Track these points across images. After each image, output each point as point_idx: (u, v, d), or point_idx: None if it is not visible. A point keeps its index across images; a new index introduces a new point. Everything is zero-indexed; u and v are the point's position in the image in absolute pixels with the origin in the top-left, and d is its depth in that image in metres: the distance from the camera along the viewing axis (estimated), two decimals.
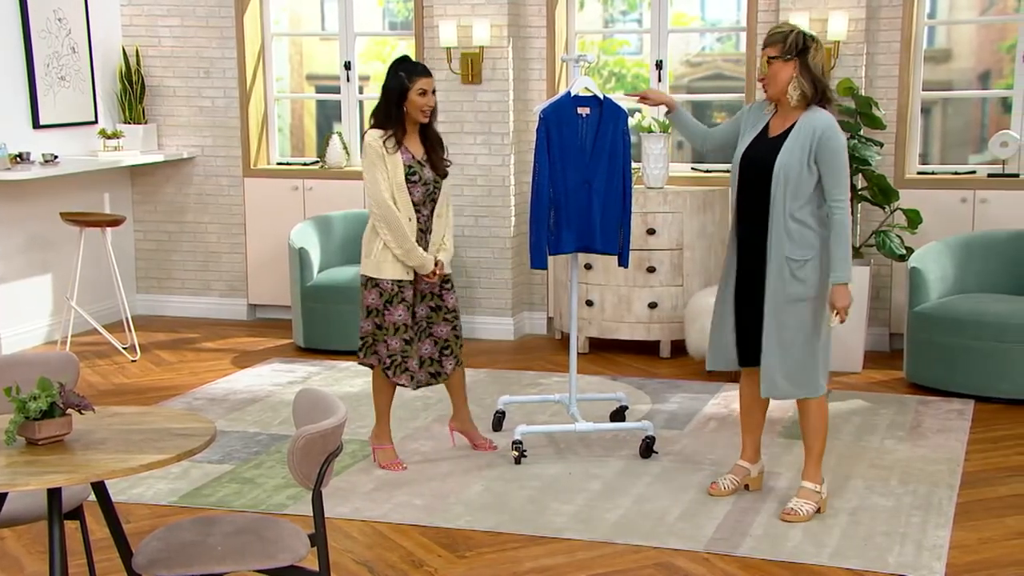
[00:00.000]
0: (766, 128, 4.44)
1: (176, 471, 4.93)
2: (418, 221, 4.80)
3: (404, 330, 4.83)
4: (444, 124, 7.12)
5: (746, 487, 4.69)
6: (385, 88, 4.78)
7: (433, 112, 4.80)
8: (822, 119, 4.31)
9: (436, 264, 4.83)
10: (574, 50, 7.47)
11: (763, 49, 4.42)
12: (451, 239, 4.93)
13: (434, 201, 4.86)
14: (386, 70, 4.80)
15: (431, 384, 5.01)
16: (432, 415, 5.63)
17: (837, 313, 4.29)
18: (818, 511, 4.45)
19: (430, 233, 4.86)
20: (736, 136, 4.57)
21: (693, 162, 7.52)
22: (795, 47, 4.31)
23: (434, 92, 4.78)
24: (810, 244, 4.32)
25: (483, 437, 5.20)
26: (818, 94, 4.34)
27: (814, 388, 4.40)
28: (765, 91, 4.41)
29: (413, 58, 7.37)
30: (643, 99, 4.93)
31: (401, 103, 4.73)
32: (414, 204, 4.78)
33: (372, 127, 4.81)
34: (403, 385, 4.90)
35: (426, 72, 4.78)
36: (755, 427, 4.67)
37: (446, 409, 5.83)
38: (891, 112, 6.83)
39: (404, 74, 4.74)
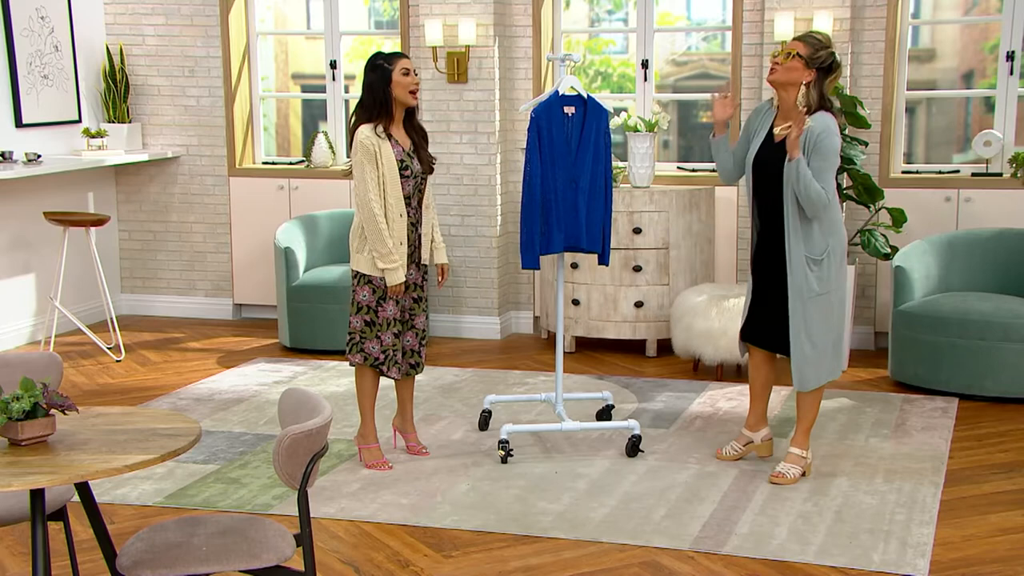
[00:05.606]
0: (771, 132, 4.65)
1: (161, 471, 4.92)
2: (408, 215, 4.82)
3: (394, 324, 4.87)
4: (430, 123, 7.12)
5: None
6: (368, 81, 4.83)
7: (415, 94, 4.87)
8: (821, 122, 4.51)
9: (442, 269, 5.01)
10: (560, 49, 7.47)
11: (794, 40, 4.59)
12: (439, 233, 5.00)
13: (421, 192, 4.90)
14: (363, 70, 4.87)
15: (409, 375, 5.03)
16: (417, 415, 5.62)
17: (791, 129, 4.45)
18: (803, 475, 4.78)
19: (420, 225, 4.89)
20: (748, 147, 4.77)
21: (679, 161, 7.53)
22: (821, 62, 4.54)
23: (416, 73, 4.85)
24: (821, 242, 4.58)
25: (420, 442, 5.18)
26: (819, 109, 4.54)
27: (832, 373, 4.74)
28: (771, 71, 4.58)
29: None
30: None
31: (387, 88, 4.78)
32: (404, 197, 4.80)
33: (357, 123, 4.82)
34: (393, 377, 4.94)
35: (403, 55, 4.88)
36: (765, 397, 4.94)
37: (432, 408, 5.83)
38: (876, 111, 6.85)
39: (383, 62, 4.81)
